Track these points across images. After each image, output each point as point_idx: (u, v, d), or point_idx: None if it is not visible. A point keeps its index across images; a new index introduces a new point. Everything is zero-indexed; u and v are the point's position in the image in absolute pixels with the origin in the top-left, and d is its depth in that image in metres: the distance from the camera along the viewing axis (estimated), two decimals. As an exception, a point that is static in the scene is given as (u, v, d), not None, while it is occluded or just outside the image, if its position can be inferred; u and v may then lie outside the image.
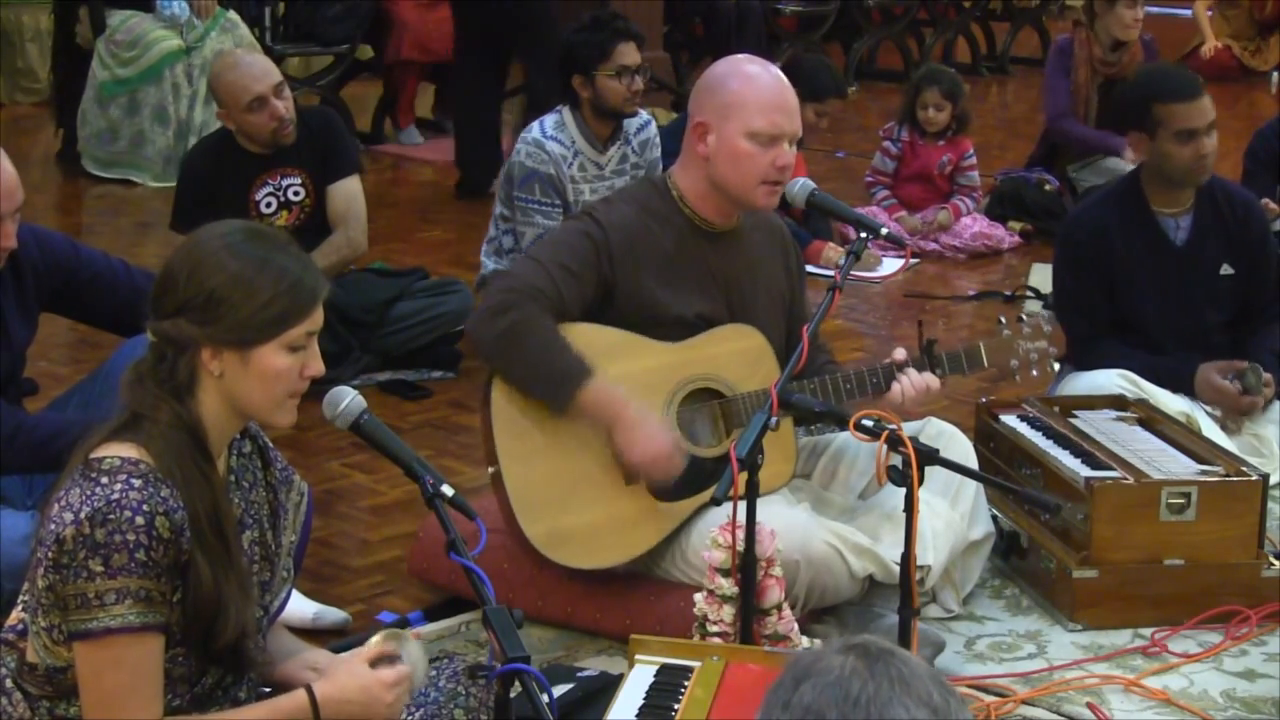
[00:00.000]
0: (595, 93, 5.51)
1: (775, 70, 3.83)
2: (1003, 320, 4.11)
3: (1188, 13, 12.53)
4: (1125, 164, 7.47)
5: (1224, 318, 4.86)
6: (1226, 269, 4.82)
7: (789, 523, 3.59)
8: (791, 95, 3.79)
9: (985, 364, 4.04)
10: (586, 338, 3.72)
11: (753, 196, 3.76)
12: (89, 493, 2.46)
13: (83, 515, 2.44)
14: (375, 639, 2.73)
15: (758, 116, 3.70)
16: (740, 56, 3.89)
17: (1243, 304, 4.86)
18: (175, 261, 2.58)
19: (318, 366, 2.62)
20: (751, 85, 3.74)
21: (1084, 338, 4.82)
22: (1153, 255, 4.78)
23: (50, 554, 2.46)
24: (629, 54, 5.54)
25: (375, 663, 2.67)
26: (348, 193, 5.47)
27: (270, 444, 2.80)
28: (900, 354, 3.88)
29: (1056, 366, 4.50)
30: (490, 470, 3.74)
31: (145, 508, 2.45)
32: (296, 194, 5.41)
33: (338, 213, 5.43)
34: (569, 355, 3.64)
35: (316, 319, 2.60)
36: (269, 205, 5.37)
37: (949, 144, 7.40)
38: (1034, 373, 4.11)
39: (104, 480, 2.46)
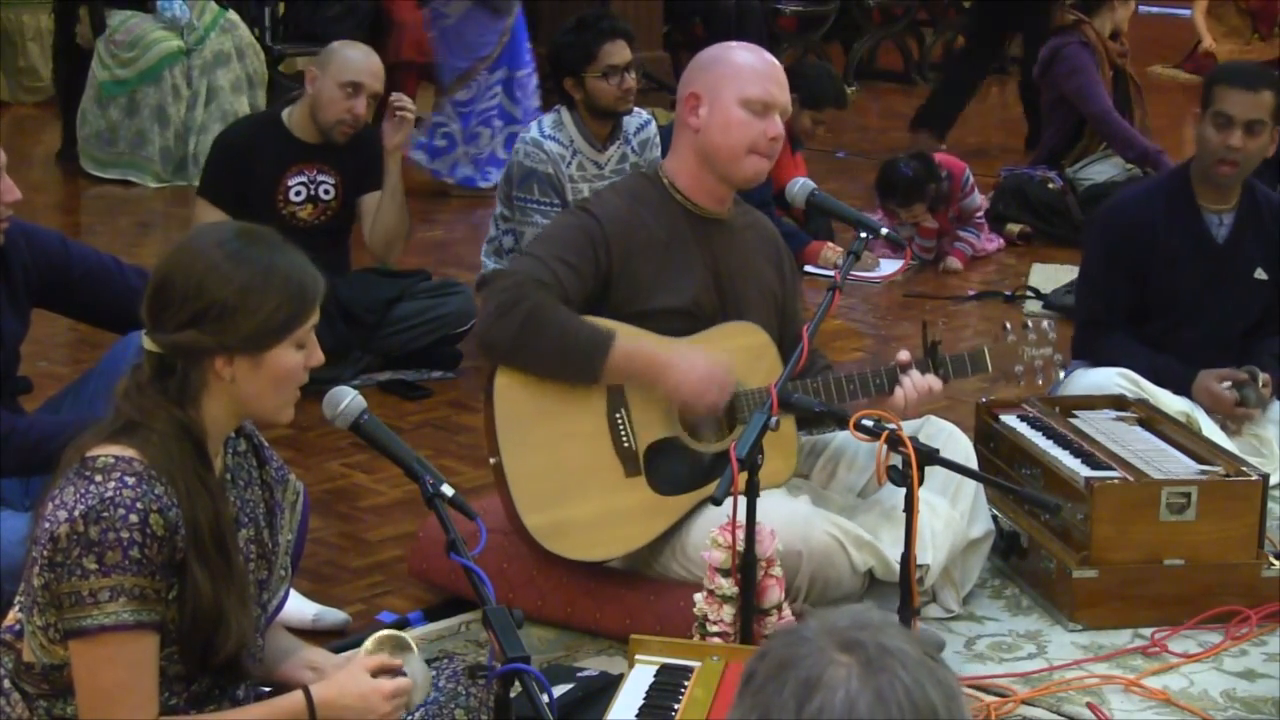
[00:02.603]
0: (587, 94, 5.51)
1: (764, 51, 3.90)
2: (1008, 326, 4.10)
3: (1187, 13, 12.53)
4: (1122, 165, 7.49)
5: (1250, 321, 4.86)
6: (1260, 273, 4.81)
7: (790, 513, 3.60)
8: (781, 72, 3.85)
9: (989, 368, 4.04)
10: None
11: (740, 166, 3.77)
12: (83, 490, 2.46)
13: (77, 513, 2.44)
14: (370, 642, 2.73)
15: (753, 84, 3.76)
16: (729, 43, 3.98)
17: (1267, 311, 4.85)
18: (174, 272, 2.56)
19: (318, 355, 2.65)
20: (745, 57, 3.83)
21: (1096, 323, 4.81)
22: (1193, 250, 4.78)
23: (45, 552, 2.46)
24: (616, 53, 5.52)
25: (377, 673, 2.67)
26: None
27: (265, 443, 2.81)
28: (904, 356, 3.88)
29: (1062, 374, 4.49)
30: (492, 461, 3.74)
31: (139, 505, 2.45)
32: (327, 192, 5.42)
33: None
34: (587, 327, 3.67)
35: (317, 312, 2.63)
36: (298, 194, 5.38)
37: (942, 211, 7.20)
38: (1038, 379, 4.11)
39: (98, 478, 2.46)
